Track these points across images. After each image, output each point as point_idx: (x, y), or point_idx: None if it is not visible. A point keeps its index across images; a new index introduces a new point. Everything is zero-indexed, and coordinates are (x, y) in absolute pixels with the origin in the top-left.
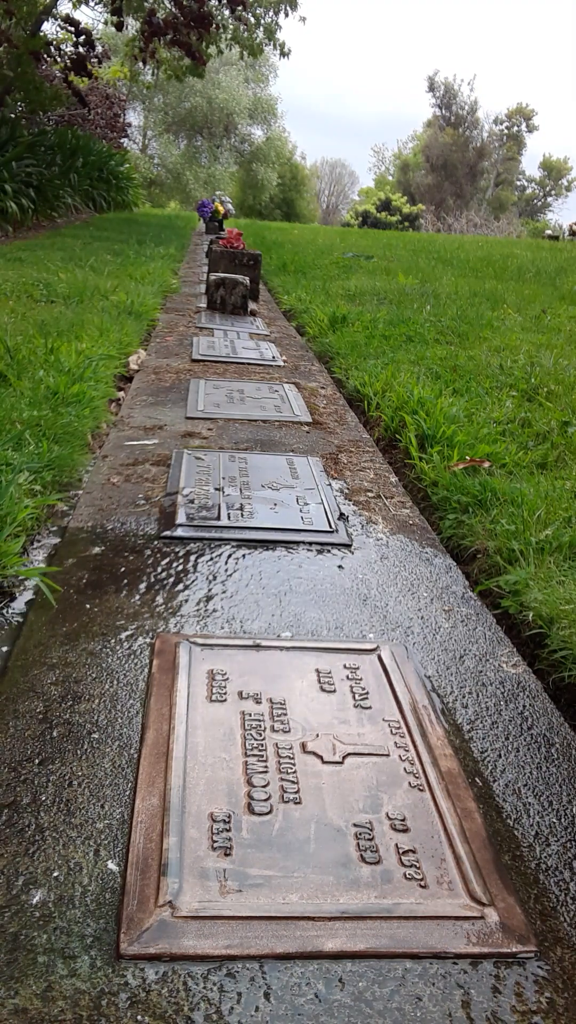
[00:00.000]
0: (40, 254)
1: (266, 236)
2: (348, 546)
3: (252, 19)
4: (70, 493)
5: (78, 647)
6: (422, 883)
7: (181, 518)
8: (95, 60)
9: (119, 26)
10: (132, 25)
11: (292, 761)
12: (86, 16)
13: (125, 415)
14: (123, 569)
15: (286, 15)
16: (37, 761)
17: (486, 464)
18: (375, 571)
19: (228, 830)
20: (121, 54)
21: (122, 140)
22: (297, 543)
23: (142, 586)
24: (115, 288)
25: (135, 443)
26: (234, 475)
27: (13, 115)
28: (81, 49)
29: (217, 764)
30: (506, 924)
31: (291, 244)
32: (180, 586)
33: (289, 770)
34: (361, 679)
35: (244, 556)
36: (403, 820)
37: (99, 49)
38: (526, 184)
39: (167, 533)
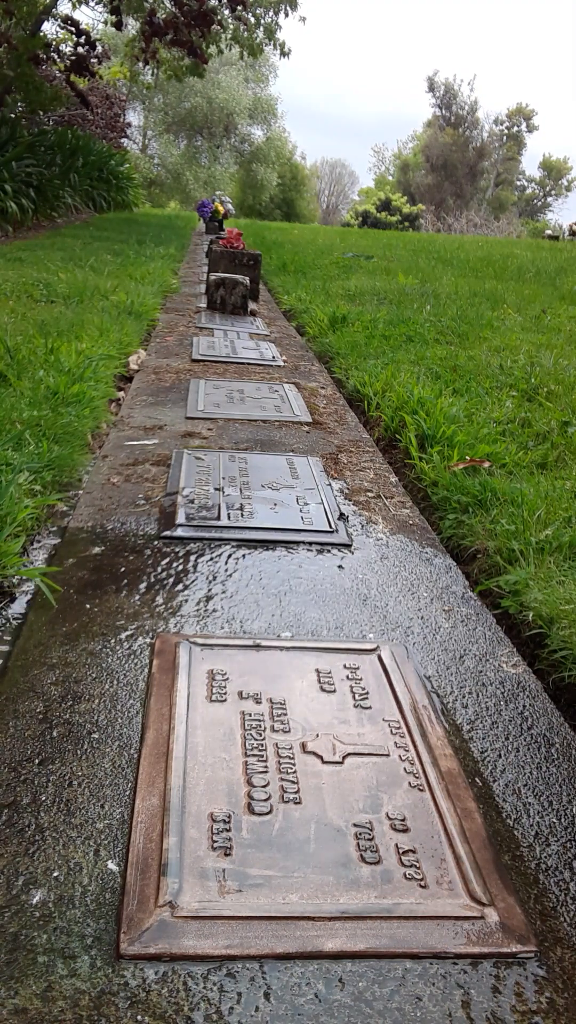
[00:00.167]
0: (40, 254)
1: (266, 236)
2: (348, 546)
3: (252, 19)
4: (70, 493)
5: (78, 647)
6: (422, 883)
7: (181, 518)
8: (95, 60)
9: (118, 25)
10: (132, 25)
11: (292, 761)
12: (86, 16)
13: (125, 415)
14: (123, 569)
15: (286, 15)
16: (37, 761)
17: (486, 464)
18: (375, 571)
19: (228, 830)
20: (121, 54)
21: (122, 140)
22: (297, 543)
23: (142, 586)
24: (115, 288)
25: (135, 443)
26: (234, 475)
27: (13, 115)
28: (81, 49)
29: (217, 764)
30: (506, 924)
31: (291, 244)
32: (180, 586)
33: (289, 770)
34: (361, 679)
35: (244, 556)
36: (403, 820)
37: (99, 49)
38: (526, 184)
39: (167, 533)
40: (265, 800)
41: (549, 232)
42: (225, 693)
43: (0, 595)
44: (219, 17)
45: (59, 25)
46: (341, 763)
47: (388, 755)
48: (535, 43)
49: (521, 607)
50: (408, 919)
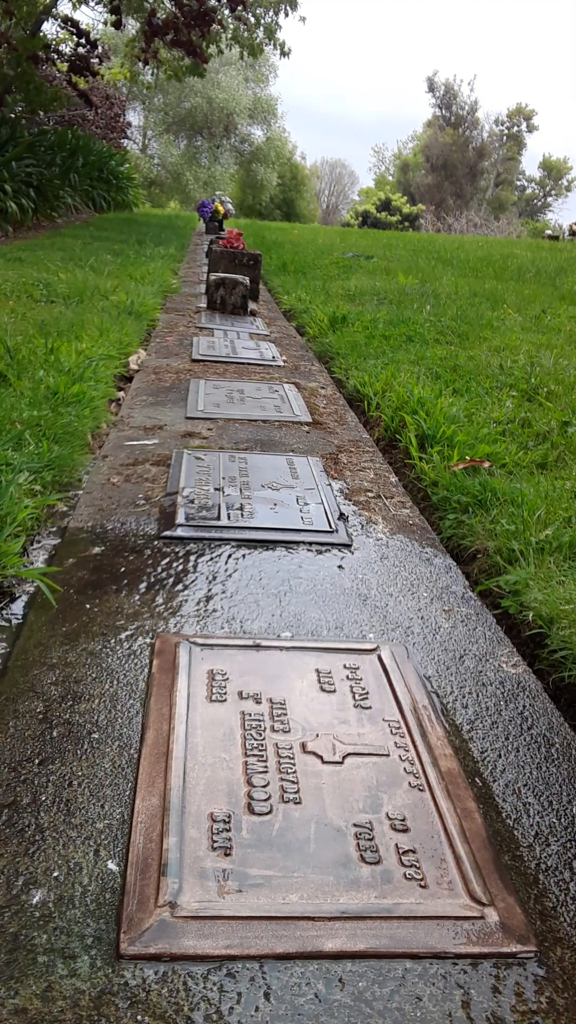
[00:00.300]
0: (40, 254)
1: (266, 236)
2: (348, 546)
3: (252, 19)
4: (70, 493)
5: (78, 647)
6: (422, 883)
7: (181, 518)
8: (96, 60)
9: (117, 24)
10: (132, 25)
11: (292, 761)
12: (86, 16)
13: (125, 415)
14: (123, 569)
15: (286, 15)
16: (37, 761)
17: (486, 464)
18: (375, 571)
19: (228, 830)
20: (121, 54)
21: (122, 140)
22: (297, 543)
23: (142, 586)
24: (115, 288)
25: (135, 443)
26: (234, 475)
27: (13, 115)
28: (81, 50)
29: (217, 764)
30: (506, 924)
31: (291, 244)
32: (180, 586)
33: (289, 770)
34: (361, 679)
35: (244, 556)
36: (403, 820)
37: (100, 49)
38: (526, 184)
39: (167, 533)
40: (265, 800)
41: (549, 232)
42: (225, 693)
43: (0, 595)
44: (219, 17)
45: (59, 25)
46: (341, 763)
47: (388, 755)
48: (535, 43)
49: (521, 607)
50: (408, 919)
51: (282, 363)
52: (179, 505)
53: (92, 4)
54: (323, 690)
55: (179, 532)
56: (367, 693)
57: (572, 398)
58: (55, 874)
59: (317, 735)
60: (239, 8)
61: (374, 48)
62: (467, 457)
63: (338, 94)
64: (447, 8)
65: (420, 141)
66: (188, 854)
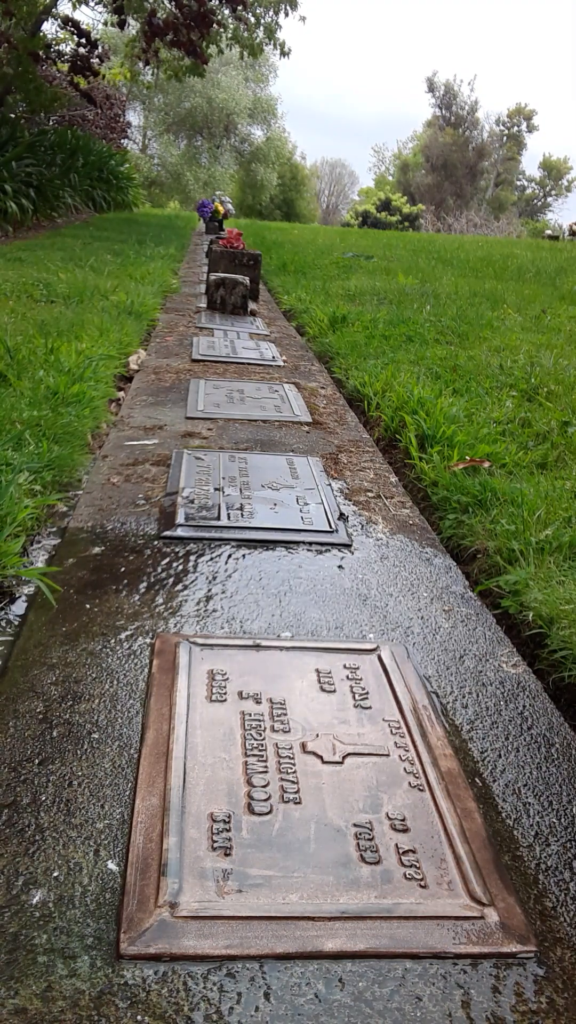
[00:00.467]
0: (40, 254)
1: (266, 236)
2: (348, 546)
3: (252, 19)
4: (70, 493)
5: (78, 647)
6: (422, 883)
7: (181, 518)
8: (96, 60)
9: (121, 24)
10: (132, 25)
11: (292, 761)
12: (86, 16)
13: (125, 415)
14: (123, 569)
15: (286, 15)
16: (37, 761)
17: (486, 464)
18: (375, 571)
19: (228, 830)
20: (121, 54)
21: (122, 140)
22: (297, 543)
23: (142, 586)
24: (115, 288)
25: (135, 443)
26: (234, 475)
27: (13, 115)
28: (82, 50)
29: (217, 764)
30: (506, 924)
31: (291, 244)
32: (180, 586)
33: (289, 770)
34: (361, 679)
35: (244, 556)
36: (403, 820)
37: (100, 49)
38: (526, 184)
39: (167, 533)
40: (265, 800)
41: (549, 232)
42: (225, 693)
43: (0, 595)
44: (219, 17)
45: (59, 25)
46: (341, 763)
47: (388, 755)
48: (535, 43)
49: (521, 607)
50: (408, 919)
51: (282, 363)
52: (179, 505)
53: (92, 4)
54: (323, 690)
55: (179, 532)
56: (367, 693)
57: (572, 398)
58: (55, 874)
59: (317, 735)
60: (239, 8)
61: (374, 48)
62: (467, 457)
63: (338, 94)
64: (447, 8)
65: (420, 141)
66: (188, 854)
